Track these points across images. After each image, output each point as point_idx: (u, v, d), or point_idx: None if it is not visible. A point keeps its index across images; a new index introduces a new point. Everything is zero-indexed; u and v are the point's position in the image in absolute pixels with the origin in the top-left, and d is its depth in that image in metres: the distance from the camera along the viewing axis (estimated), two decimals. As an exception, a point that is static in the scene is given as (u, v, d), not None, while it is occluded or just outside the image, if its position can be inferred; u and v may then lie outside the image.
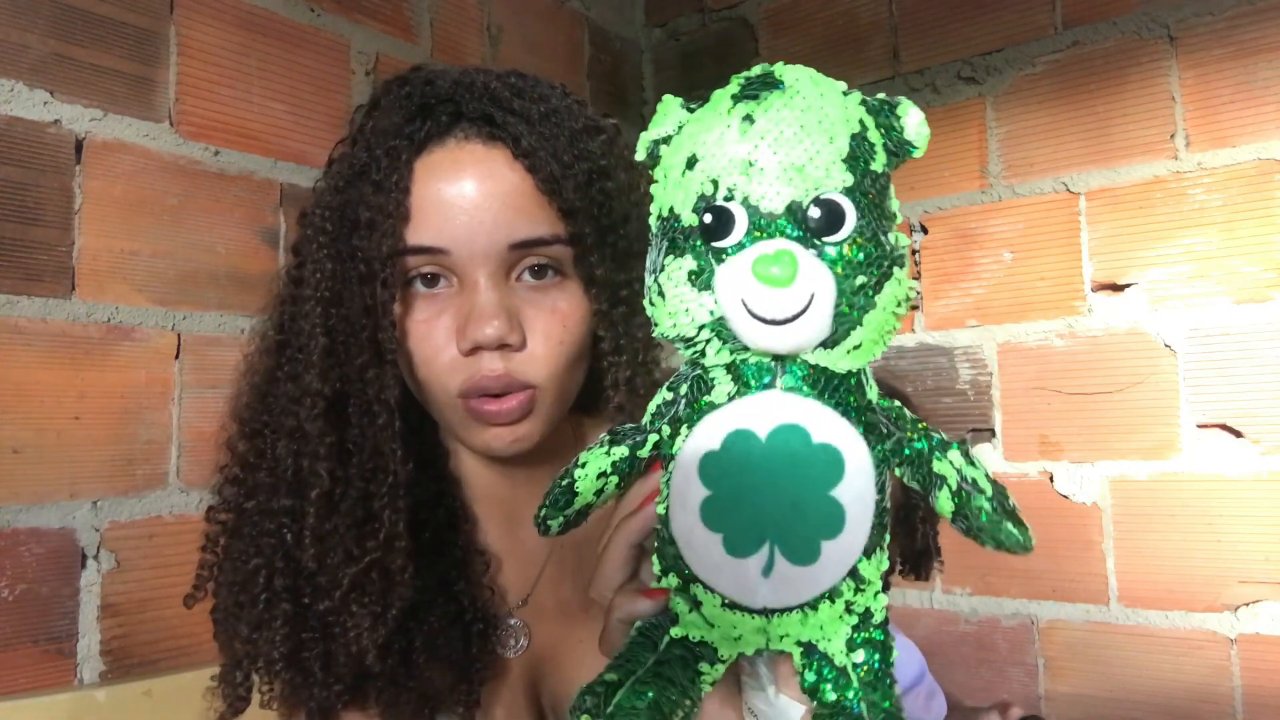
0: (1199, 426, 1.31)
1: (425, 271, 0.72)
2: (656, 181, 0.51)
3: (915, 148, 0.48)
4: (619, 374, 0.76)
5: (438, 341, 0.72)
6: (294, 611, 0.72)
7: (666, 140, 0.51)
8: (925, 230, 1.56)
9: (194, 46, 1.14)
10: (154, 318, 1.09)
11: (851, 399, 0.47)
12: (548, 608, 0.84)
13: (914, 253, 1.57)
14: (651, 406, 0.54)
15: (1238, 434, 1.29)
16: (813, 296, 0.44)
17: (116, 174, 1.06)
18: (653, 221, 0.51)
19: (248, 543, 0.74)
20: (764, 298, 0.44)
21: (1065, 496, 1.41)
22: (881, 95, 0.50)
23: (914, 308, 1.56)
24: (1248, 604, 1.27)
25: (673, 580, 0.49)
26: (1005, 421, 1.47)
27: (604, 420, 0.83)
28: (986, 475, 0.46)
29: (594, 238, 0.73)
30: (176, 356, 1.10)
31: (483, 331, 0.69)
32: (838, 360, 0.47)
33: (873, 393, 0.49)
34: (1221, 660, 1.28)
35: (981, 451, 1.49)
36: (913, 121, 0.48)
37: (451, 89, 0.73)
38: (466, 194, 0.70)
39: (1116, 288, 1.38)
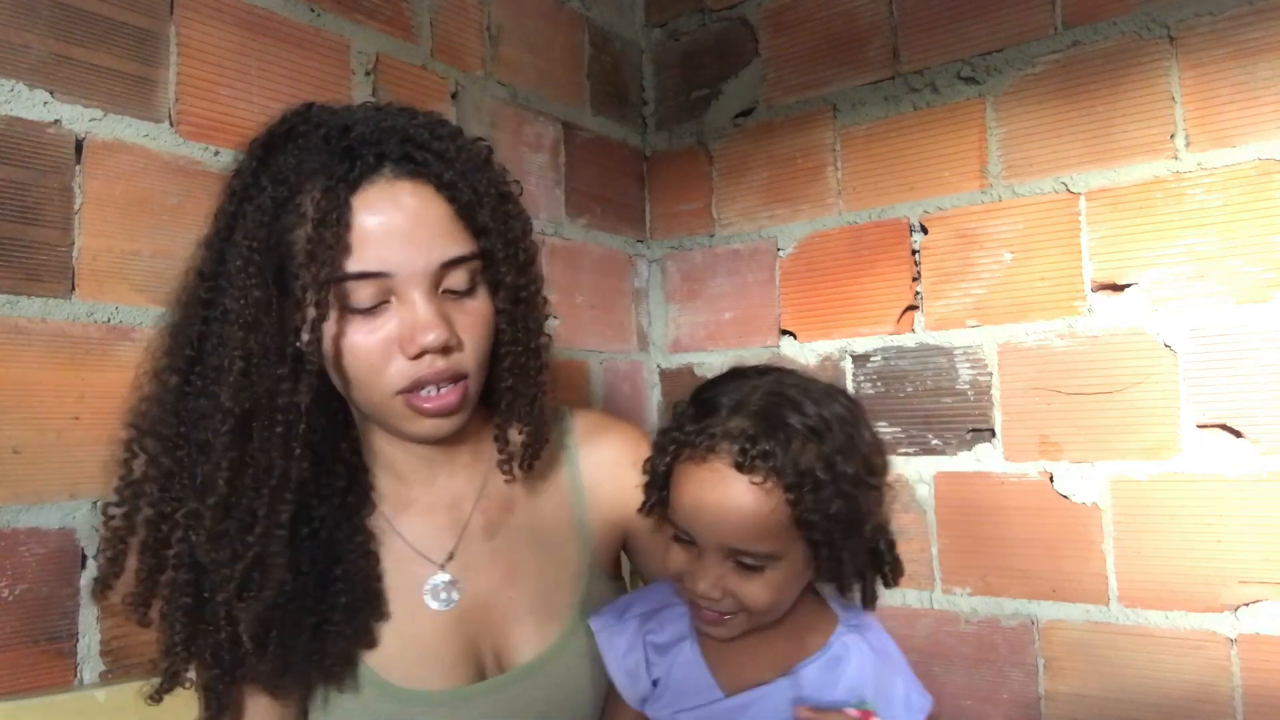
0: (1199, 426, 1.31)
1: (365, 295, 0.81)
2: None
3: None
4: (517, 359, 0.90)
5: (380, 349, 0.82)
6: (192, 605, 0.82)
7: None
8: (925, 230, 1.56)
9: (194, 46, 1.14)
10: (154, 318, 1.08)
11: None
12: (477, 560, 0.94)
13: (914, 253, 1.57)
14: None
15: (1238, 434, 1.29)
16: None
17: (116, 174, 1.06)
18: None
19: (165, 545, 0.83)
20: None
21: (1065, 496, 1.41)
22: None
23: (914, 308, 1.57)
24: (1248, 604, 1.27)
25: None
26: (1005, 421, 1.47)
27: (502, 419, 0.94)
28: None
29: (502, 251, 0.86)
30: (176, 356, 1.10)
31: (428, 338, 0.81)
32: None
33: None
34: (1221, 660, 1.28)
35: (982, 451, 1.49)
36: None
37: (370, 133, 0.84)
38: (403, 225, 0.81)
39: (1116, 288, 1.38)
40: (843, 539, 0.82)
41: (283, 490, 0.82)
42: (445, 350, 0.82)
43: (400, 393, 0.83)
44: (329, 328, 0.81)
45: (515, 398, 0.90)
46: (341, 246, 0.79)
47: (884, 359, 1.59)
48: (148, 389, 0.85)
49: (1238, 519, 1.28)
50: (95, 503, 1.02)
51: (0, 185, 0.97)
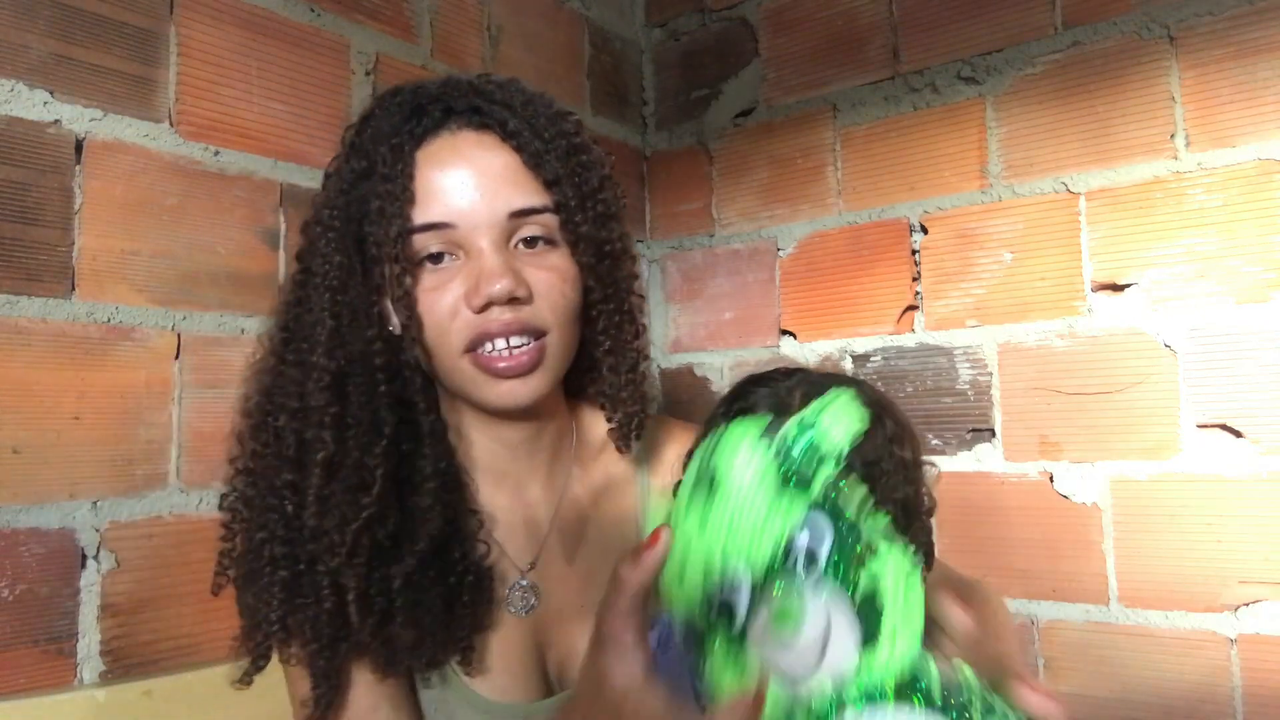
0: (1199, 426, 1.31)
1: (433, 251, 0.79)
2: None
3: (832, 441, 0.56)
4: (609, 320, 0.86)
5: (448, 305, 0.79)
6: (289, 578, 0.78)
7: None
8: (925, 230, 1.56)
9: (194, 46, 1.14)
10: (154, 318, 1.09)
11: (919, 686, 0.51)
12: (555, 571, 0.91)
13: (914, 253, 1.57)
14: None
15: (1238, 434, 1.29)
16: (827, 624, 0.49)
17: (116, 174, 1.06)
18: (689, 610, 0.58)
19: (255, 519, 0.80)
20: (786, 652, 0.49)
21: (1065, 496, 1.41)
22: (802, 419, 0.56)
23: (914, 308, 1.56)
24: (1248, 604, 1.27)
25: None
26: (1005, 421, 1.47)
27: (596, 399, 0.90)
28: None
29: (577, 202, 0.82)
30: (176, 356, 1.10)
31: (493, 287, 0.77)
32: (888, 656, 0.51)
33: (933, 680, 0.52)
34: (1221, 660, 1.28)
35: (982, 451, 1.49)
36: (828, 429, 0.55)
37: (439, 90, 0.83)
38: (466, 173, 0.79)
39: (1116, 288, 1.38)
40: (909, 524, 0.81)
41: (394, 446, 0.80)
42: (513, 302, 0.78)
43: (467, 351, 0.79)
44: (408, 280, 0.79)
45: (616, 363, 0.86)
46: (407, 199, 0.78)
47: (884, 359, 1.59)
48: (251, 381, 0.84)
49: (1238, 519, 1.28)
50: (95, 502, 1.02)
51: (0, 185, 0.97)
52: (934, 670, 0.53)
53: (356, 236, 0.80)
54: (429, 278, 0.80)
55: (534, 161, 0.80)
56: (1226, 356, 1.30)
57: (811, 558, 0.52)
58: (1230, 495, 1.29)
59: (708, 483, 0.55)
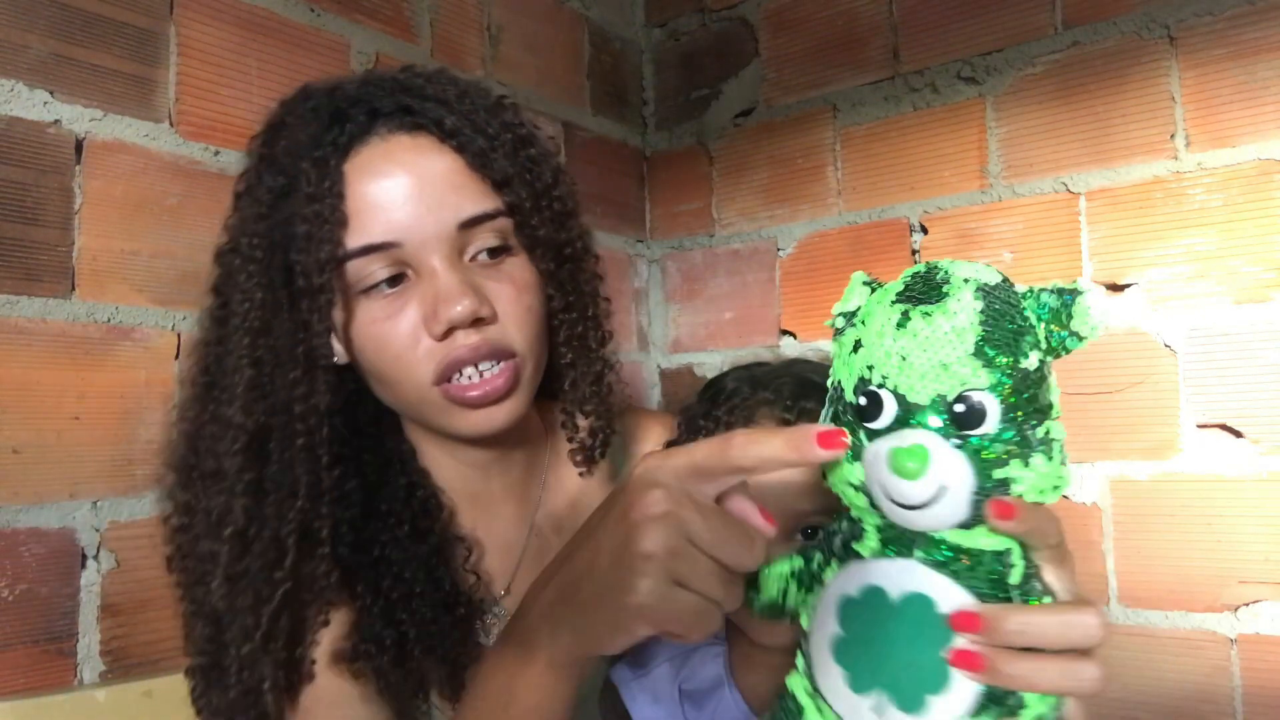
0: (1199, 426, 1.31)
1: (383, 275, 0.71)
2: (838, 352, 0.55)
3: (1083, 339, 0.54)
4: (572, 329, 0.78)
5: (407, 335, 0.71)
6: (209, 664, 0.72)
7: (853, 314, 0.55)
8: (925, 230, 1.56)
9: (194, 46, 1.14)
10: (154, 318, 1.09)
11: (989, 576, 0.51)
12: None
13: (914, 253, 1.57)
14: (831, 525, 0.57)
15: (1238, 434, 1.29)
16: (941, 488, 0.48)
17: (116, 174, 1.06)
18: (830, 383, 0.56)
19: (185, 594, 0.75)
20: (897, 486, 0.48)
21: (1065, 496, 1.41)
22: (1059, 287, 0.54)
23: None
24: (1248, 604, 1.27)
25: (804, 682, 0.55)
26: (1005, 421, 1.46)
27: (567, 401, 0.83)
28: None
29: (530, 202, 0.74)
30: (176, 356, 1.10)
31: (453, 310, 0.69)
32: (977, 539, 0.51)
33: (1016, 573, 0.52)
34: (1221, 660, 1.28)
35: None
36: (1083, 317, 0.53)
37: (359, 90, 0.73)
38: (405, 184, 0.70)
39: (1116, 288, 1.38)
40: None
41: (314, 507, 0.71)
42: (477, 323, 0.71)
43: (437, 383, 0.72)
44: (340, 317, 0.71)
45: (579, 375, 0.79)
46: (338, 220, 0.68)
47: (884, 359, 1.59)
48: (175, 428, 0.78)
49: (1237, 519, 1.28)
50: (95, 503, 1.02)
51: (0, 185, 0.97)
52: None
53: (283, 265, 0.71)
54: (380, 306, 0.72)
55: (479, 162, 0.72)
56: (1226, 356, 1.30)
57: (968, 423, 0.50)
58: (1230, 495, 1.29)
59: (929, 287, 0.52)
